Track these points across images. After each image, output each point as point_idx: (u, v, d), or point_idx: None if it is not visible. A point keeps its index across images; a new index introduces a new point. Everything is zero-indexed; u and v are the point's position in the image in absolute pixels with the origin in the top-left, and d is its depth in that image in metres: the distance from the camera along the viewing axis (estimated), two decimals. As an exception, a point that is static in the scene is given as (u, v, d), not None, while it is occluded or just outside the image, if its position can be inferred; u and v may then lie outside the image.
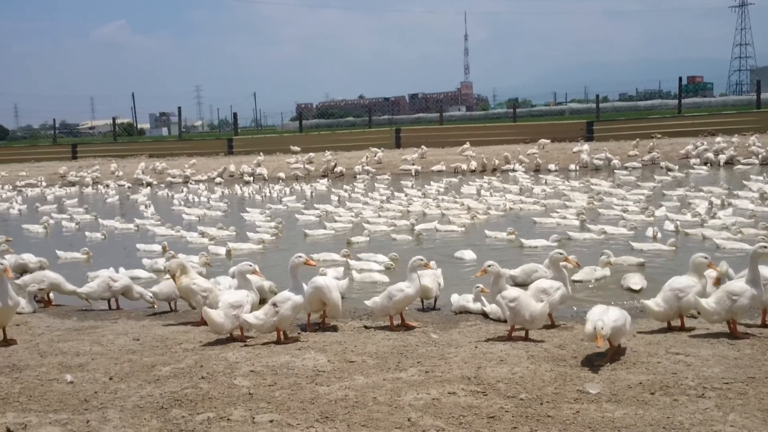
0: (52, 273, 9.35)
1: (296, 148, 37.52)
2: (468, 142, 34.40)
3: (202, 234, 14.57)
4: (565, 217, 14.84)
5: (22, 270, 10.84)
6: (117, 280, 8.94)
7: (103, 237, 15.46)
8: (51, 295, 9.36)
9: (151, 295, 8.67)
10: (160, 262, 11.22)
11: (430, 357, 6.18)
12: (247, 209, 18.99)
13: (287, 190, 25.08)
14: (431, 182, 24.48)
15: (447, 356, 6.19)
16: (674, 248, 11.26)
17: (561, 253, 7.36)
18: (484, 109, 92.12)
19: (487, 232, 13.57)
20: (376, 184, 25.72)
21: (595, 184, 21.44)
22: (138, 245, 13.60)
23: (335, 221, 16.11)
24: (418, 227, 14.17)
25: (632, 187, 20.31)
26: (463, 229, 14.37)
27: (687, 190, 18.78)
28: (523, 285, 8.49)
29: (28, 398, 5.32)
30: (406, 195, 20.89)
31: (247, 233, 14.47)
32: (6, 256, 10.92)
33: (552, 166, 28.75)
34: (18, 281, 9.41)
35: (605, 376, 5.44)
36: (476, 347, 6.44)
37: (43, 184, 32.63)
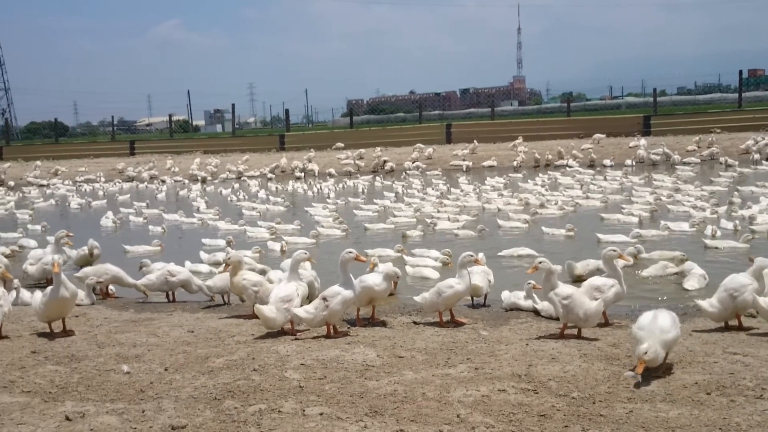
0: (113, 266, 9.63)
1: (340, 145, 37.72)
2: (520, 137, 34.03)
3: (272, 231, 14.55)
4: (632, 214, 14.57)
5: (85, 262, 11.20)
6: (176, 273, 9.15)
7: (163, 231, 15.81)
8: (111, 287, 9.65)
9: (207, 288, 8.86)
10: (219, 256, 11.47)
11: (480, 354, 6.14)
12: (313, 204, 19.17)
13: (339, 186, 25.21)
14: (488, 177, 24.21)
15: (497, 353, 6.13)
16: (748, 245, 10.94)
17: (614, 250, 7.21)
18: (537, 104, 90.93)
19: (544, 228, 13.41)
20: (433, 180, 25.58)
21: (658, 180, 20.93)
22: (204, 240, 13.81)
23: (394, 216, 16.21)
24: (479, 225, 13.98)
25: (699, 183, 19.65)
26: (526, 225, 14.23)
27: (757, 186, 18.18)
28: (579, 280, 8.39)
29: (86, 388, 5.49)
30: (462, 191, 20.82)
31: (316, 229, 14.53)
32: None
33: (607, 162, 28.22)
34: (78, 274, 9.74)
35: (660, 375, 5.30)
36: (527, 345, 6.37)
37: (102, 179, 33.62)
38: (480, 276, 8.13)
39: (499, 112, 56.63)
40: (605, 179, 22.25)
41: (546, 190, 19.89)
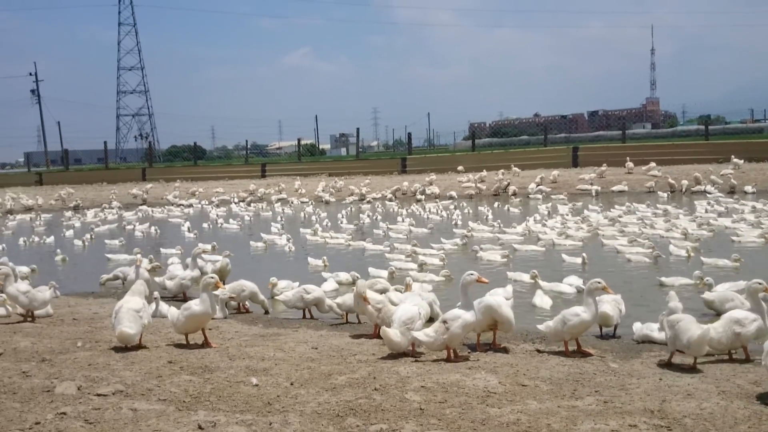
0: (249, 283, 10.11)
1: (460, 168, 37.64)
2: (653, 162, 32.54)
3: (411, 253, 14.57)
4: None
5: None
6: (310, 291, 9.51)
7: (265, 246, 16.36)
8: (246, 303, 10.14)
9: (338, 306, 9.12)
10: (341, 276, 11.85)
11: (609, 386, 5.86)
12: (471, 225, 19.00)
13: (463, 211, 25.03)
14: (638, 204, 23.06)
15: (627, 387, 5.83)
16: None
17: (760, 283, 6.70)
18: (672, 126, 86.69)
19: (704, 259, 12.63)
20: (558, 204, 24.87)
21: None
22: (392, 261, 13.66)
23: (539, 239, 16.15)
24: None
25: None
26: (685, 255, 13.47)
27: None
28: (718, 312, 7.87)
29: (217, 398, 5.74)
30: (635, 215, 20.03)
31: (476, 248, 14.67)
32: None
33: (749, 188, 26.40)
34: (217, 291, 10.27)
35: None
36: (660, 379, 6.01)
37: (236, 200, 35.37)
38: (610, 305, 7.80)
39: (630, 135, 54.55)
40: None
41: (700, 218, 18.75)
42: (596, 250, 15.00)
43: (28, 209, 35.65)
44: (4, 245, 19.41)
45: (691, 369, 6.33)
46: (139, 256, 11.01)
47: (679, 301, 7.17)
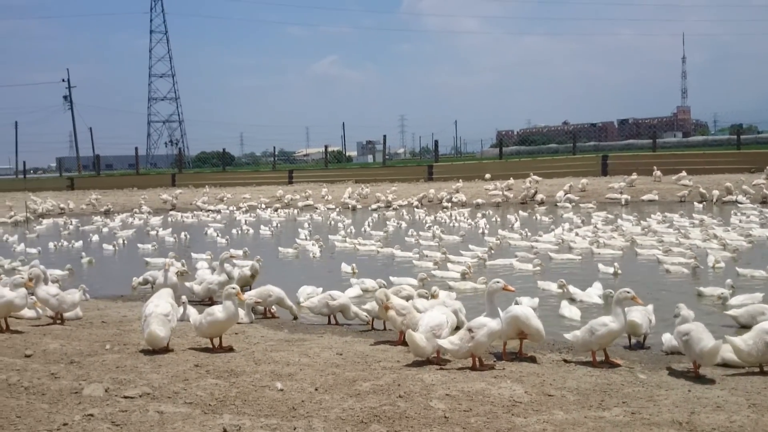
0: (275, 288, 10.17)
1: (488, 176, 37.51)
2: (684, 171, 32.09)
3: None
4: None
5: (245, 282, 11.90)
6: (336, 298, 9.52)
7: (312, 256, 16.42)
8: (273, 308, 10.20)
9: (365, 315, 9.11)
10: (368, 282, 11.86)
11: (637, 398, 5.77)
12: (502, 233, 18.93)
13: (491, 219, 24.92)
14: (670, 213, 22.84)
15: (656, 398, 5.74)
16: None
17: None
18: (704, 135, 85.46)
19: (739, 270, 12.42)
20: (623, 214, 24.39)
21: None
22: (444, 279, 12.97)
23: (571, 248, 16.10)
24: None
25: None
26: (721, 266, 13.21)
27: None
28: (747, 327, 7.70)
29: (243, 402, 5.76)
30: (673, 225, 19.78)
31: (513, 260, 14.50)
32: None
33: (782, 198, 25.91)
34: (245, 296, 10.37)
35: None
36: (689, 391, 5.91)
37: (263, 206, 35.62)
38: (639, 314, 7.69)
39: (661, 144, 53.86)
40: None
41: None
42: (632, 259, 14.83)
43: (59, 213, 36.30)
44: (39, 248, 19.79)
45: (697, 377, 6.35)
46: (169, 260, 11.17)
47: (689, 310, 7.25)
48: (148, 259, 16.32)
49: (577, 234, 18.28)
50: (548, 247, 16.49)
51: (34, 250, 19.30)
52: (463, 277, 12.90)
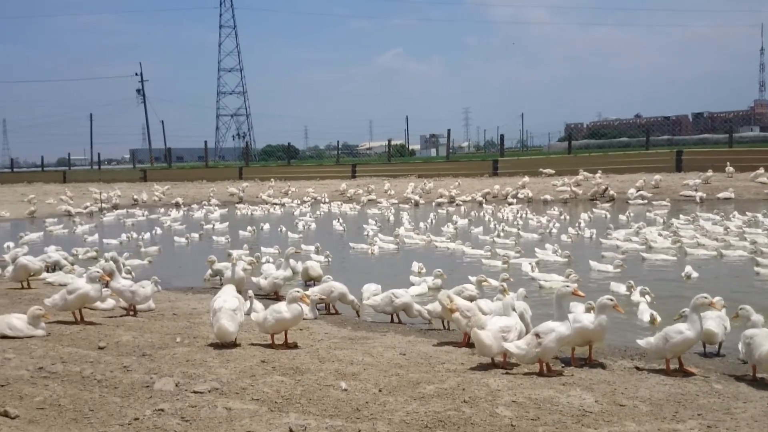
0: (338, 284, 10.20)
1: (549, 171, 36.73)
2: (762, 168, 30.70)
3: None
4: None
5: (307, 277, 12.02)
6: (399, 296, 9.50)
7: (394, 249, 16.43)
8: (336, 304, 10.26)
9: (427, 313, 9.06)
10: (428, 280, 11.69)
11: (713, 410, 5.52)
12: (610, 231, 18.42)
13: (561, 217, 24.32)
14: (751, 213, 21.46)
15: (733, 411, 5.48)
16: None
17: None
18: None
19: None
20: (697, 212, 23.47)
21: None
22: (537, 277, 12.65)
23: (650, 247, 15.68)
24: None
25: None
26: None
27: None
28: None
29: (308, 401, 5.78)
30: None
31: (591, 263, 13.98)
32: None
33: None
34: (308, 292, 10.45)
35: None
36: (771, 405, 5.61)
37: (326, 199, 35.92)
38: (715, 321, 7.37)
39: (737, 139, 51.68)
40: None
41: None
42: (719, 261, 14.31)
43: (133, 204, 37.56)
44: (124, 236, 20.64)
45: (754, 380, 6.25)
46: (235, 254, 11.29)
47: (759, 315, 7.06)
48: (231, 252, 16.25)
49: (660, 234, 17.56)
50: (636, 248, 15.88)
51: (114, 241, 19.99)
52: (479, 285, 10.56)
